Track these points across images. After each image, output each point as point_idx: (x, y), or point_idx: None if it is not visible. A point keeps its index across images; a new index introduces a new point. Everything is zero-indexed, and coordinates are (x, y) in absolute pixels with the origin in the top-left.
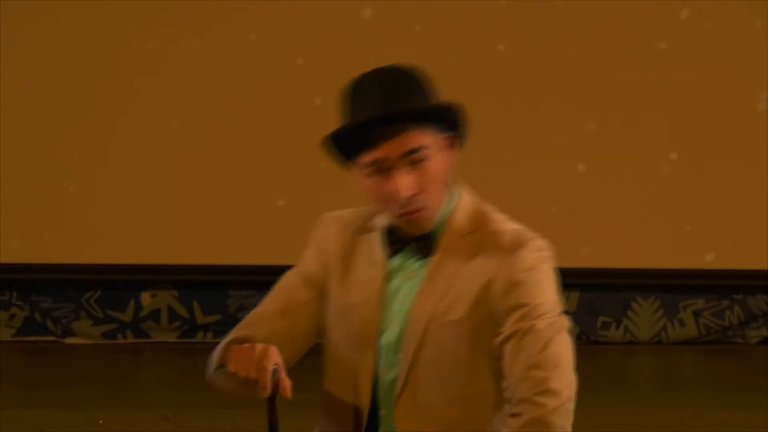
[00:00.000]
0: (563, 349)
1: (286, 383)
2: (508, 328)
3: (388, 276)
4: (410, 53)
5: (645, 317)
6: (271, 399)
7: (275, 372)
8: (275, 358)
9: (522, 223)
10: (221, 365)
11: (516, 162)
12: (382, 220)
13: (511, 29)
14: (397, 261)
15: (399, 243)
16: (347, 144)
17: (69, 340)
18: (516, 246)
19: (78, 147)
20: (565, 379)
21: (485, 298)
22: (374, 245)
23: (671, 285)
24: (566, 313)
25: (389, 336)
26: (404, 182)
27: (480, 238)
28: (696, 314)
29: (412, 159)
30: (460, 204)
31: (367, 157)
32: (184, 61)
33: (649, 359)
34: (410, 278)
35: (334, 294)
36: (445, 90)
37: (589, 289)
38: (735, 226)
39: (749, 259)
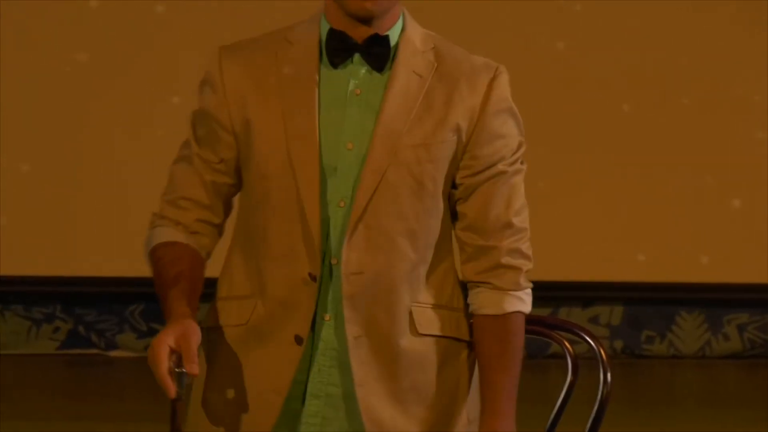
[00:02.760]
0: (523, 192)
1: (192, 365)
2: (480, 166)
3: (325, 91)
4: None
5: (689, 331)
6: (174, 402)
7: (181, 375)
8: (184, 349)
9: (565, 232)
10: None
11: (558, 172)
12: (313, 30)
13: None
14: (337, 73)
15: (343, 51)
16: None
17: (113, 353)
18: (491, 75)
19: (113, 161)
20: (527, 238)
21: (458, 125)
22: (305, 56)
23: (715, 299)
24: (610, 327)
25: (347, 158)
26: None
27: (441, 56)
28: (740, 328)
29: None
30: (411, 21)
31: None
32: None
33: (693, 373)
34: (354, 92)
35: (256, 125)
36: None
37: (633, 303)
38: None
39: None
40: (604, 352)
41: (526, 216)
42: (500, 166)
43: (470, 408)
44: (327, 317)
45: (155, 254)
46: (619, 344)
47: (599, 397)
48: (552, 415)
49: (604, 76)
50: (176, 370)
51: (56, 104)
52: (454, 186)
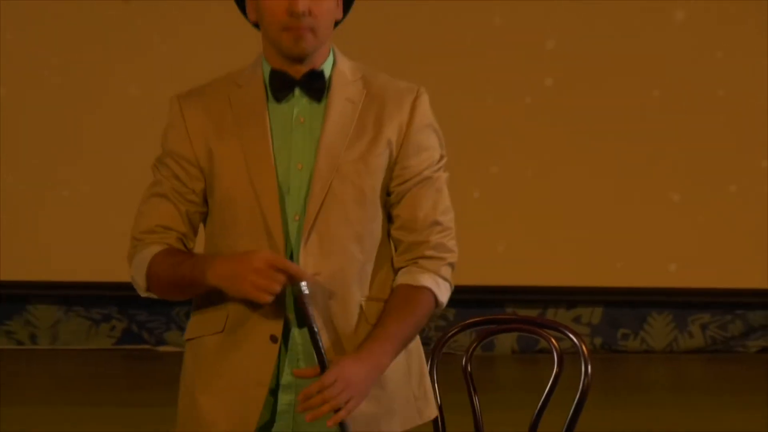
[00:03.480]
0: (447, 195)
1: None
2: (408, 175)
3: (275, 122)
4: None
5: (659, 329)
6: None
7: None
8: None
9: (552, 243)
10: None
11: (545, 190)
12: (257, 72)
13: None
14: (282, 107)
15: (284, 87)
16: None
17: (161, 348)
18: (413, 95)
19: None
20: (453, 235)
21: (388, 140)
22: (253, 95)
23: (681, 302)
24: (591, 325)
25: (298, 177)
26: (303, 0)
27: (369, 84)
28: (703, 327)
29: None
30: (340, 56)
31: None
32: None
33: (663, 366)
34: (298, 121)
35: (219, 157)
36: None
37: (611, 305)
38: (737, 249)
39: (749, 279)
40: (586, 347)
41: (452, 217)
42: (426, 173)
43: (414, 386)
44: (291, 316)
45: (151, 270)
46: (598, 341)
47: (581, 386)
48: (541, 401)
49: (586, 90)
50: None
51: (110, 120)
52: (388, 194)
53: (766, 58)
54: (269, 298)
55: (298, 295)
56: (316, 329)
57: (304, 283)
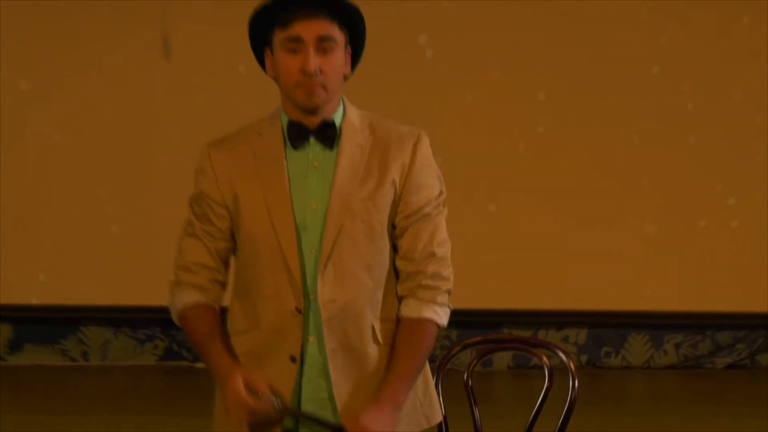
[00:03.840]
0: (444, 229)
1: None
2: (409, 210)
3: (292, 168)
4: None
5: (637, 348)
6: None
7: (274, 401)
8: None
9: (543, 273)
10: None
11: (535, 227)
12: (276, 123)
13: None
14: (298, 154)
15: (300, 137)
16: (267, 26)
17: (198, 365)
18: (414, 139)
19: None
20: (448, 265)
21: (393, 180)
22: (273, 144)
23: (657, 323)
24: (577, 344)
25: (314, 216)
26: (314, 59)
27: (375, 131)
28: (676, 346)
29: (323, 46)
30: (349, 106)
31: (287, 33)
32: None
33: (641, 380)
34: (314, 166)
35: (243, 198)
36: None
37: (595, 327)
38: (706, 277)
39: (717, 303)
40: (573, 364)
41: (448, 248)
42: (426, 209)
43: (420, 395)
44: (311, 339)
45: (184, 316)
46: (584, 358)
47: (569, 398)
48: (534, 411)
49: (573, 136)
50: (273, 396)
51: (150, 133)
52: (393, 227)
53: (732, 109)
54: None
55: (278, 408)
56: (305, 413)
57: (273, 398)
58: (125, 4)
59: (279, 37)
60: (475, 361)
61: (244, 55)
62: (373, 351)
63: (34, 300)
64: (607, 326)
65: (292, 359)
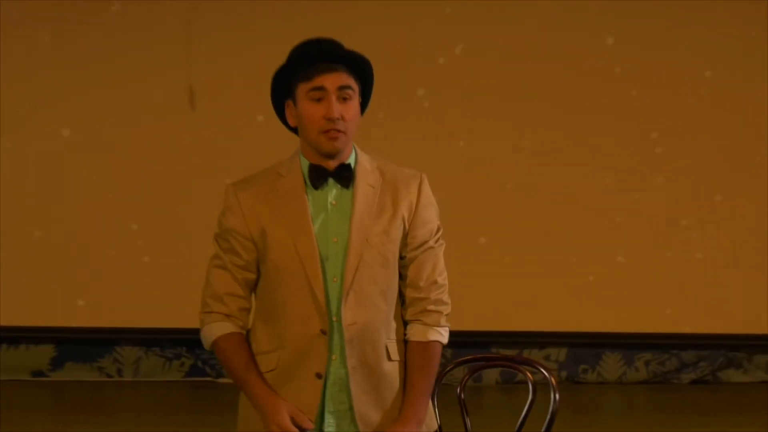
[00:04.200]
0: (443, 260)
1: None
2: (416, 243)
3: (314, 206)
4: None
5: (611, 365)
6: None
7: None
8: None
9: (526, 297)
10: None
11: (516, 252)
12: (296, 165)
13: None
14: (318, 193)
15: (320, 178)
16: (291, 80)
17: (220, 380)
18: (418, 180)
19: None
20: (447, 291)
21: (402, 216)
22: (294, 184)
23: (629, 343)
24: (558, 362)
25: (335, 248)
26: (337, 107)
27: (384, 173)
28: (646, 363)
29: (343, 94)
30: (360, 151)
31: (315, 83)
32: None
33: (615, 394)
34: (332, 204)
35: (270, 232)
36: None
37: (574, 346)
38: (671, 302)
39: (682, 325)
40: (554, 379)
41: (446, 276)
42: (429, 243)
43: None
44: (334, 357)
45: (218, 346)
46: (564, 374)
47: (551, 409)
48: (519, 422)
49: (553, 179)
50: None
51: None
52: (401, 258)
53: (699, 151)
54: None
55: None
56: None
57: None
58: (153, 54)
59: (303, 88)
60: (466, 377)
61: (263, 105)
62: (387, 367)
63: (74, 323)
64: (584, 346)
65: (318, 376)
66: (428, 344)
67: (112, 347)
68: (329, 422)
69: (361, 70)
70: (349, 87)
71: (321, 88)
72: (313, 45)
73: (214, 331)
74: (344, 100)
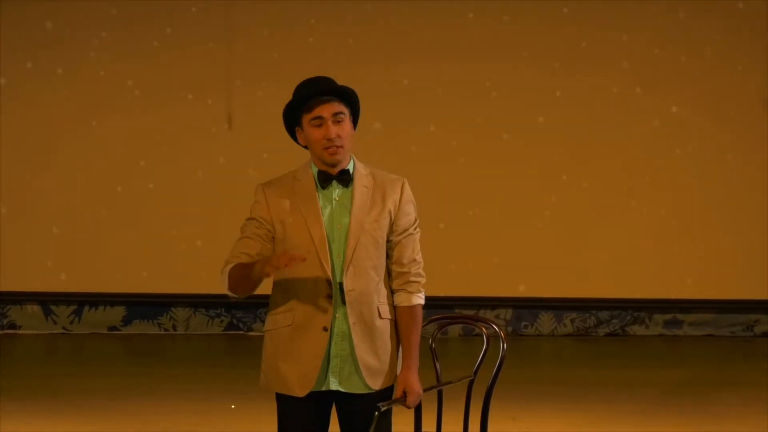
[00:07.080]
0: (419, 243)
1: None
2: (399, 230)
3: (322, 201)
4: None
5: (546, 322)
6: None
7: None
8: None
9: (485, 267)
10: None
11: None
12: (308, 171)
13: None
14: (325, 192)
15: (327, 180)
16: (296, 112)
17: (250, 333)
18: (401, 183)
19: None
20: (422, 267)
21: (389, 210)
22: (308, 185)
23: (559, 305)
24: (505, 320)
25: (339, 233)
26: (333, 129)
27: (375, 177)
28: (572, 320)
29: (337, 119)
30: (356, 161)
31: (314, 114)
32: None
33: (548, 344)
34: (336, 200)
35: (289, 221)
36: None
37: (517, 307)
38: (591, 267)
39: (599, 291)
40: (503, 333)
41: (421, 255)
42: (409, 231)
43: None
44: (338, 315)
45: (228, 276)
46: (510, 329)
47: (500, 356)
48: (476, 365)
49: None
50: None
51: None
52: (388, 241)
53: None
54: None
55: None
56: (380, 405)
57: (379, 404)
58: (194, 81)
59: (306, 118)
60: (436, 332)
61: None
62: (378, 323)
63: (140, 290)
64: (525, 307)
65: (325, 329)
66: (413, 307)
67: (169, 308)
68: (334, 363)
69: (349, 98)
70: (341, 112)
71: (320, 117)
72: (311, 83)
73: (225, 272)
74: (338, 122)
